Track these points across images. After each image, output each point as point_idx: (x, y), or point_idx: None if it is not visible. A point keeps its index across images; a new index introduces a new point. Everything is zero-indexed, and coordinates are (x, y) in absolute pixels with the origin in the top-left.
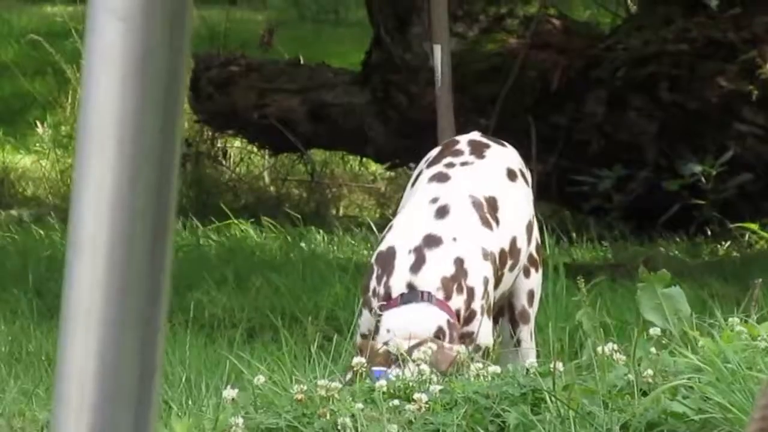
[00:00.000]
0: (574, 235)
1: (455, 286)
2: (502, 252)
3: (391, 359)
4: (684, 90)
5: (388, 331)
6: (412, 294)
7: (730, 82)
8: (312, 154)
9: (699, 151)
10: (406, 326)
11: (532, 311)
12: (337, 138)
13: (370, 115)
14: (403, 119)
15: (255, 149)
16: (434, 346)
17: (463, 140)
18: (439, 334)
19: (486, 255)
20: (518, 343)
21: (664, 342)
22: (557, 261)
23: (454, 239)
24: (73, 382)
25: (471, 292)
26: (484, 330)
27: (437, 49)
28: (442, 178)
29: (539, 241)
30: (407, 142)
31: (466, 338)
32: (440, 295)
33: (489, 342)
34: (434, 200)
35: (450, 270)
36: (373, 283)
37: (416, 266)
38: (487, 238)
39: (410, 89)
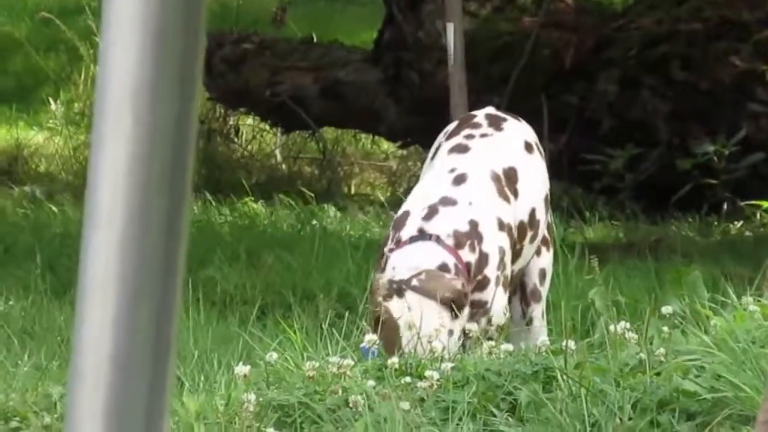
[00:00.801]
0: (586, 214)
1: (468, 243)
2: (521, 225)
3: (392, 290)
4: (697, 69)
5: (393, 268)
6: (421, 235)
7: (744, 61)
8: (324, 132)
9: (711, 131)
10: (409, 261)
11: (544, 290)
12: (349, 116)
13: (383, 93)
14: (415, 98)
15: (267, 127)
16: (432, 273)
17: (481, 114)
18: (443, 269)
19: (502, 226)
20: (530, 321)
21: (676, 321)
22: (569, 240)
23: (470, 203)
24: (88, 358)
25: (485, 258)
26: (497, 305)
27: (450, 28)
28: (461, 149)
29: (551, 221)
30: (419, 121)
31: (479, 308)
32: (450, 242)
33: (501, 320)
34: (452, 170)
35: (464, 227)
36: (388, 246)
37: (428, 216)
38: (503, 209)
39: (423, 67)
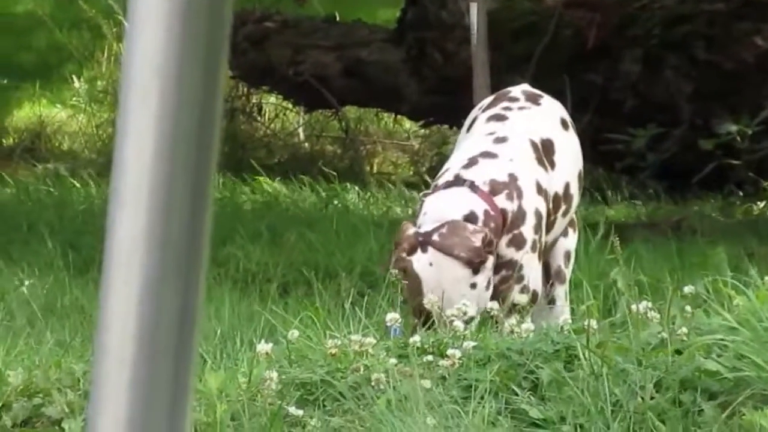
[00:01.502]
0: (608, 194)
1: (505, 191)
2: (555, 196)
3: (417, 242)
4: (720, 49)
5: (425, 214)
6: (456, 181)
7: (766, 41)
8: (346, 111)
9: (734, 111)
10: (439, 208)
11: (568, 271)
12: (371, 95)
13: (405, 72)
14: (437, 77)
15: (290, 105)
16: (454, 226)
17: (516, 90)
18: (469, 218)
19: (540, 190)
20: (552, 301)
21: (698, 300)
22: (591, 219)
23: (511, 159)
24: (113, 336)
25: (522, 214)
26: (534, 273)
27: (473, 7)
28: (500, 118)
29: (578, 202)
30: (442, 100)
31: (510, 269)
32: (485, 188)
33: (538, 286)
34: (492, 133)
35: (502, 177)
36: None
37: (467, 166)
38: (542, 175)
39: (445, 47)
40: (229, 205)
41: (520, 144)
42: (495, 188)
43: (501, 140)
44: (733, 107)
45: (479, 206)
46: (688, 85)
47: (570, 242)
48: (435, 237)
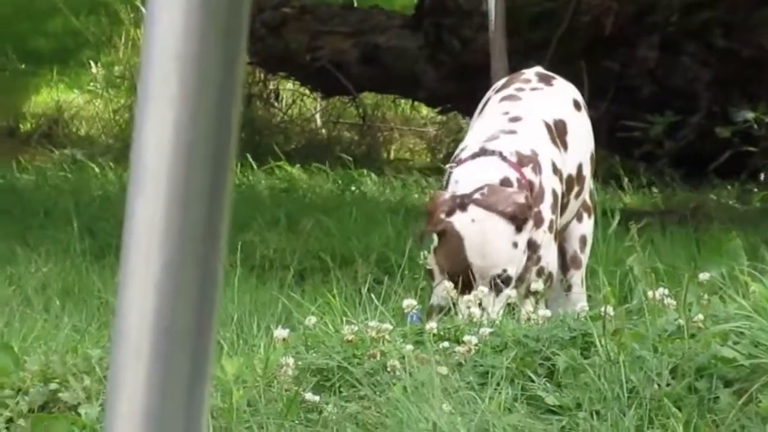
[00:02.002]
0: (625, 180)
1: (530, 164)
2: (569, 177)
3: (455, 204)
4: (738, 36)
5: (456, 182)
6: (483, 152)
7: None
8: (363, 97)
9: (752, 98)
10: (472, 175)
11: (584, 257)
12: (388, 81)
13: (422, 58)
14: (455, 63)
15: (307, 92)
16: (495, 187)
17: (530, 71)
18: (504, 183)
19: (555, 170)
20: (568, 288)
21: (714, 288)
22: (608, 206)
23: (529, 137)
24: (131, 322)
25: (541, 193)
26: (550, 254)
27: None
28: (513, 98)
29: (592, 188)
30: (459, 87)
31: (532, 252)
32: (513, 159)
33: (554, 269)
34: (507, 113)
35: (525, 150)
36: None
37: (489, 140)
38: (556, 155)
39: (463, 33)
40: (246, 192)
41: (535, 123)
42: (522, 160)
43: (516, 119)
44: (751, 95)
45: (512, 174)
46: (706, 73)
47: (585, 227)
48: (477, 196)
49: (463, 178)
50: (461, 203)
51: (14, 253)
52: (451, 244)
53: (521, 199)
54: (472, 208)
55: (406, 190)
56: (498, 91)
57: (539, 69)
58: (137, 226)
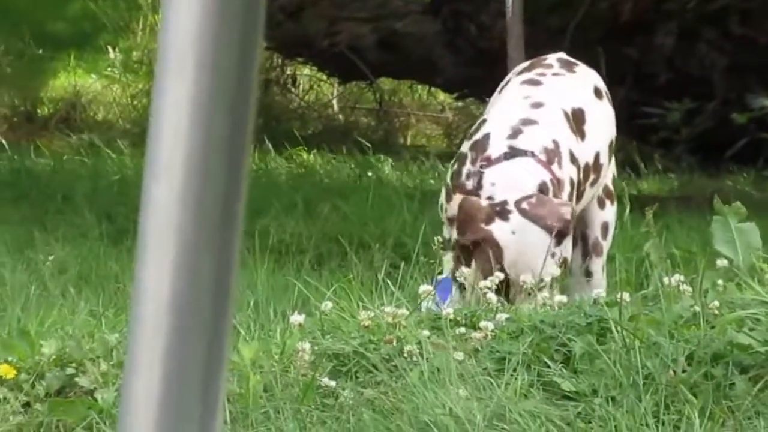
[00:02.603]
0: (642, 166)
1: (556, 159)
2: (586, 166)
3: (494, 212)
4: (755, 23)
5: (493, 184)
6: (516, 151)
7: None
8: (381, 82)
9: None
10: (510, 178)
11: (606, 244)
12: (406, 67)
13: (440, 44)
14: (472, 49)
15: (324, 77)
16: (542, 198)
17: (552, 57)
18: (542, 189)
19: (573, 159)
20: (589, 275)
21: (731, 274)
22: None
23: (549, 125)
24: (148, 307)
25: (561, 184)
26: (567, 240)
27: None
28: (534, 83)
29: (615, 174)
30: (476, 72)
31: None
32: (543, 158)
33: (568, 253)
34: (527, 97)
35: (549, 144)
36: (466, 167)
37: (514, 135)
38: (574, 144)
39: (480, 19)
40: (263, 177)
41: (555, 112)
42: (549, 156)
43: (537, 105)
44: None
45: (546, 176)
46: (723, 59)
47: (607, 214)
48: (524, 205)
49: (500, 181)
50: (501, 211)
51: (31, 238)
52: (489, 253)
53: (568, 215)
54: (515, 218)
55: (422, 176)
56: (520, 73)
57: (562, 55)
58: (154, 211)
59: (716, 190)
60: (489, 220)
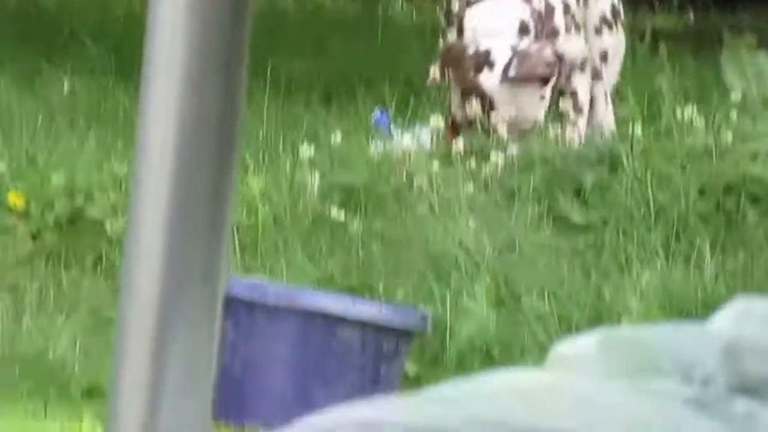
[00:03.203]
0: (656, 2)
1: None
2: None
3: (481, 62)
4: None
5: (474, 29)
6: None
7: None
8: None
9: None
10: (489, 22)
11: (605, 71)
12: None
13: None
14: None
15: None
16: (524, 54)
17: None
18: (523, 29)
19: None
20: (592, 100)
21: (745, 107)
22: (638, 27)
23: None
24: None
25: (550, 9)
26: (572, 46)
27: None
28: None
29: (615, 4)
30: None
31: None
32: None
33: (580, 55)
34: None
35: None
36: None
37: None
38: None
39: None
40: (270, 16)
41: None
42: None
43: None
44: None
45: (525, 12)
46: None
47: (605, 41)
48: (511, 73)
49: (481, 27)
50: (487, 61)
51: (39, 70)
52: (479, 102)
53: (550, 57)
54: (499, 70)
55: (432, 13)
56: None
57: None
58: (159, 44)
59: (732, 25)
60: (478, 71)
